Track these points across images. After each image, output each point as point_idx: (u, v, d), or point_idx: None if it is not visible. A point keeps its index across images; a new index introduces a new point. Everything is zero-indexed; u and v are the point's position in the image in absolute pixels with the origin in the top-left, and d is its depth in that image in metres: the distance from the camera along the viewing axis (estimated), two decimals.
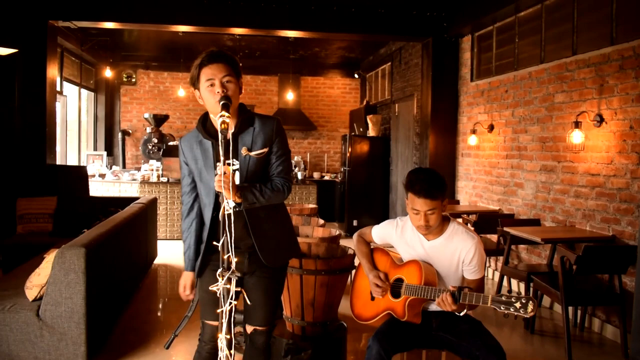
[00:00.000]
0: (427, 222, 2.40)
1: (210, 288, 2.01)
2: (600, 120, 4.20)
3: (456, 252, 2.46)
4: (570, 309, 4.21)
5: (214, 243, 1.96)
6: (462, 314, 2.31)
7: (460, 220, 5.37)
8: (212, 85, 2.13)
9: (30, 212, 5.58)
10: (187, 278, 2.35)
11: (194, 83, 2.20)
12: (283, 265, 2.40)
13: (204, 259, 2.32)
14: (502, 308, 2.13)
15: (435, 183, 2.38)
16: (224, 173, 1.94)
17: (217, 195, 2.19)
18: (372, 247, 2.78)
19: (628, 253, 3.63)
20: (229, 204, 1.95)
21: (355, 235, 2.85)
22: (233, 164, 2.15)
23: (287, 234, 2.40)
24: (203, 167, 2.24)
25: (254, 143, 2.20)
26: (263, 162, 2.23)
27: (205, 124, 2.25)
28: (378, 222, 2.81)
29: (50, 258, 3.26)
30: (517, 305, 2.10)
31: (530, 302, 2.08)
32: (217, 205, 2.22)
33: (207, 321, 2.33)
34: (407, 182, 2.43)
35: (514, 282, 5.17)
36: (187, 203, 2.36)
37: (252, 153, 2.19)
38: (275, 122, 2.27)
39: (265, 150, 2.22)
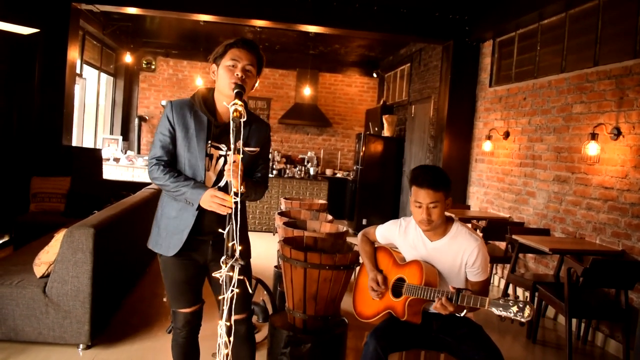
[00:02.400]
0: (429, 215, 2.39)
1: (213, 275, 2.03)
2: (618, 133, 4.15)
3: (459, 254, 2.45)
4: (574, 321, 4.18)
5: (220, 230, 1.96)
6: (462, 314, 2.30)
7: (469, 225, 5.34)
8: (234, 66, 2.14)
9: (43, 191, 5.66)
10: (210, 191, 2.12)
11: (216, 58, 2.20)
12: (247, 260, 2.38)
13: (176, 248, 2.26)
14: (499, 311, 2.12)
15: (439, 176, 2.40)
16: (234, 162, 1.95)
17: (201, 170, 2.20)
18: (376, 246, 2.79)
19: (636, 269, 3.59)
20: (235, 193, 1.96)
21: (359, 235, 2.87)
22: (225, 152, 2.20)
23: (246, 233, 2.39)
24: (194, 138, 2.20)
25: (249, 139, 2.24)
26: (250, 161, 2.28)
27: (206, 99, 2.25)
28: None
29: (59, 237, 3.30)
30: (515, 309, 2.08)
31: (528, 306, 2.06)
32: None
33: (178, 310, 2.34)
34: (412, 175, 2.45)
35: (519, 290, 5.13)
36: (162, 160, 2.20)
37: (247, 149, 2.21)
38: (268, 127, 2.39)
39: (257, 149, 2.29)
